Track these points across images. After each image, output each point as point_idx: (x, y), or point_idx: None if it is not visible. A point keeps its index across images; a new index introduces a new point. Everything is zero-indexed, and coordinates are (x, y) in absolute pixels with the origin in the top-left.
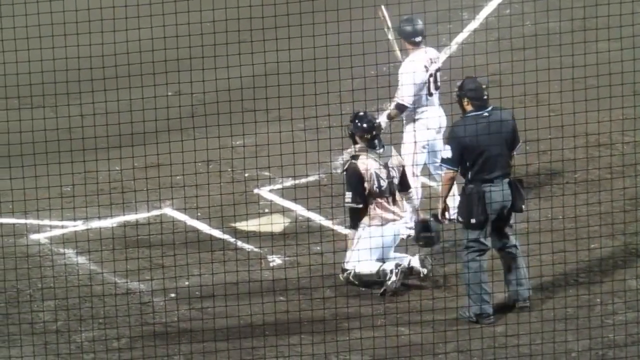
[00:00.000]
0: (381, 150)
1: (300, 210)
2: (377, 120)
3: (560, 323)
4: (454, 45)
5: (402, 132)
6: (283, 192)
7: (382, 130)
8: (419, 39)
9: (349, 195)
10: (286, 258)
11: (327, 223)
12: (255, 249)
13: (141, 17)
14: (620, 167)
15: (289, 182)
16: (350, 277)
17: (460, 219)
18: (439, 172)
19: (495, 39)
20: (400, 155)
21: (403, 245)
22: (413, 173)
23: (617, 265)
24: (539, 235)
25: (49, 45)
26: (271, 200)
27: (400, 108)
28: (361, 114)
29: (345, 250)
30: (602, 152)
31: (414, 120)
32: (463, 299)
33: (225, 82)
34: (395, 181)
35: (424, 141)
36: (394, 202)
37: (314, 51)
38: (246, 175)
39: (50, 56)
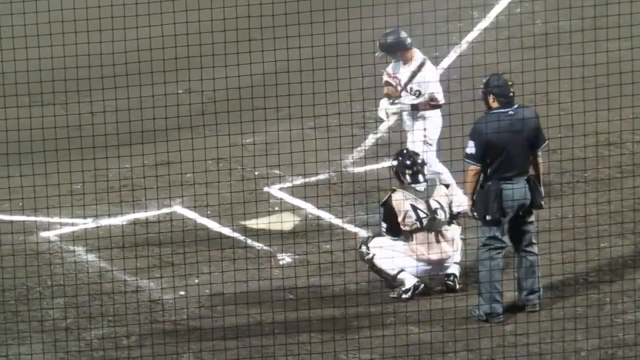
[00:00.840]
0: (423, 186)
1: (310, 208)
2: (420, 158)
3: (570, 322)
4: (464, 44)
5: (409, 130)
6: (293, 191)
7: (425, 166)
8: (409, 40)
9: (384, 225)
10: (296, 256)
11: (337, 221)
12: (265, 247)
13: (152, 15)
14: (630, 166)
15: (299, 180)
16: (366, 257)
17: (475, 215)
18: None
19: (505, 38)
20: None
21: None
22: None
23: (626, 264)
24: (548, 234)
25: (60, 43)
26: (281, 199)
27: (435, 107)
28: (404, 151)
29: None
30: (612, 151)
31: (424, 118)
32: (473, 298)
33: (235, 80)
34: (441, 216)
35: (433, 139)
36: (439, 239)
37: (324, 49)
38: (256, 173)
39: (60, 53)
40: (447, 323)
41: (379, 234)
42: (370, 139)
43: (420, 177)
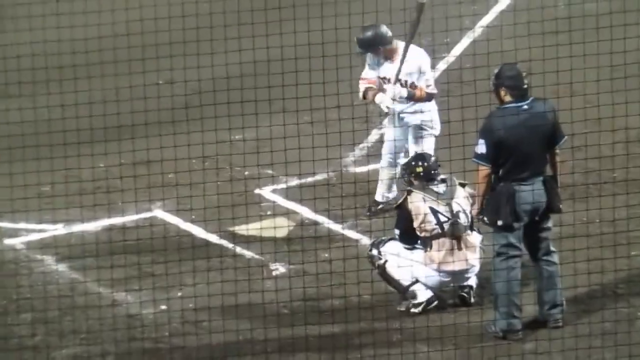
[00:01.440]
0: (443, 187)
1: (306, 212)
2: (433, 158)
3: (597, 339)
4: (478, 29)
5: (403, 127)
6: (287, 193)
7: (440, 166)
8: (390, 33)
9: (397, 232)
10: (291, 266)
11: (337, 227)
12: (257, 256)
13: None
14: None
15: (294, 181)
16: (377, 263)
17: (486, 220)
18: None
19: (524, 22)
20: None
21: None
22: None
23: None
24: (573, 241)
25: (26, 27)
26: (274, 202)
27: (431, 97)
28: (419, 152)
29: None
30: None
31: (429, 111)
32: (489, 312)
33: (223, 69)
34: (463, 220)
35: (437, 122)
36: (462, 246)
37: (322, 34)
38: (246, 173)
39: (27, 39)
40: (460, 341)
41: (394, 238)
42: (374, 135)
43: (435, 175)
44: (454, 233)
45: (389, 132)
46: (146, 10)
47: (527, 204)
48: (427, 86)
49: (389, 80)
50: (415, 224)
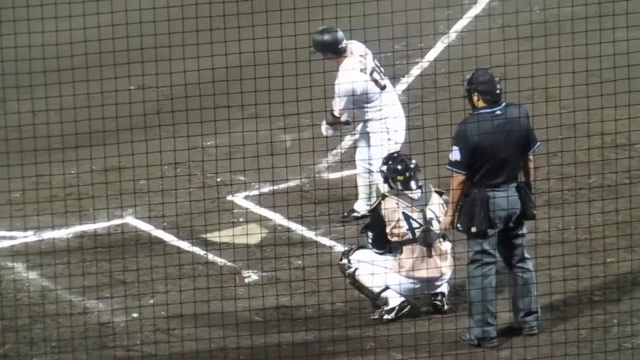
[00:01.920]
0: (417, 193)
1: (279, 219)
2: (413, 162)
3: (573, 347)
4: (452, 34)
5: (367, 133)
6: (260, 199)
7: (419, 171)
8: (343, 44)
9: (370, 235)
10: (263, 273)
11: (310, 234)
12: (229, 263)
13: (100, 1)
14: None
15: (267, 188)
16: (347, 272)
17: (459, 227)
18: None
19: (499, 27)
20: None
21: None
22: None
23: (636, 281)
24: (548, 248)
25: None
26: (247, 208)
27: (334, 117)
28: (395, 154)
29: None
30: (619, 154)
31: (379, 120)
32: (463, 320)
33: (195, 74)
34: (436, 227)
35: (394, 144)
36: (432, 253)
37: (295, 39)
38: (218, 179)
39: None
40: (434, 348)
41: (364, 246)
42: (347, 141)
43: (413, 184)
44: (426, 240)
45: (358, 138)
46: (117, 16)
47: (501, 210)
48: (333, 109)
49: None
50: (388, 229)
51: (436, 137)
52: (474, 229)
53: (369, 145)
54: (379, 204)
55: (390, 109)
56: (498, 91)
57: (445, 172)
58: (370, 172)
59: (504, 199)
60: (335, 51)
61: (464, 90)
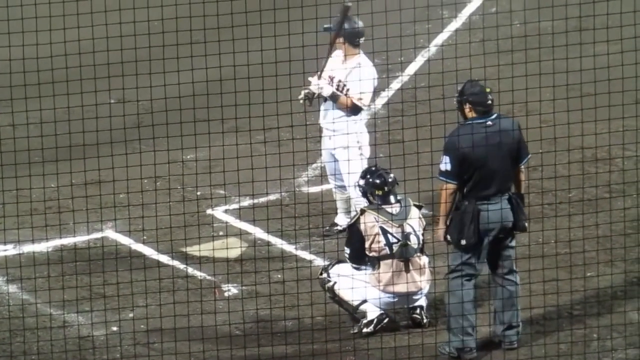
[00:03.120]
0: (397, 208)
1: (259, 233)
2: (391, 176)
3: None
4: (432, 48)
5: (335, 148)
6: (240, 213)
7: (397, 185)
8: (362, 40)
9: (347, 251)
10: (243, 287)
11: (290, 248)
12: (209, 277)
13: (81, 15)
14: (620, 185)
15: (247, 202)
16: (327, 285)
17: (449, 239)
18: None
19: (479, 40)
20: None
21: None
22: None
23: (616, 295)
24: (528, 262)
25: None
26: (226, 222)
27: (356, 109)
28: (373, 168)
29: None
30: (599, 168)
31: (355, 123)
32: (443, 333)
33: (175, 88)
34: (413, 242)
35: (365, 159)
36: (409, 267)
37: (275, 53)
38: (198, 193)
39: None
40: None
41: (343, 260)
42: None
43: (392, 198)
44: (403, 255)
45: (324, 153)
46: (97, 29)
47: (492, 223)
48: (359, 99)
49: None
50: (366, 244)
51: (416, 151)
52: (463, 242)
53: (337, 160)
54: (358, 219)
55: (362, 123)
56: (489, 102)
57: (425, 186)
58: (343, 187)
59: (495, 212)
60: (351, 41)
61: (455, 101)
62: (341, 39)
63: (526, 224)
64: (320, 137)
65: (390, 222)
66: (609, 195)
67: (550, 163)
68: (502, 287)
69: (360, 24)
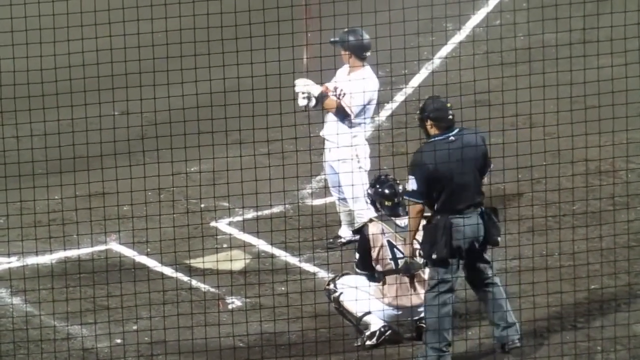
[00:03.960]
0: (405, 220)
1: (263, 245)
2: (401, 187)
3: None
4: (436, 60)
5: (335, 161)
6: (244, 225)
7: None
8: (368, 54)
9: (357, 256)
10: (247, 299)
11: (294, 260)
12: (212, 289)
13: (85, 27)
14: (624, 198)
15: (251, 214)
16: (333, 296)
17: (421, 253)
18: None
19: (483, 53)
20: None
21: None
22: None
23: (620, 308)
24: (532, 274)
25: None
26: (230, 234)
27: (343, 113)
28: (382, 177)
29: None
30: (603, 181)
31: (355, 136)
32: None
33: (179, 100)
34: (419, 258)
35: (364, 171)
36: (414, 282)
37: (279, 65)
38: (202, 205)
39: None
40: None
41: (350, 272)
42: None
43: (401, 210)
44: (409, 270)
45: (325, 166)
46: (102, 41)
47: (463, 237)
48: (348, 105)
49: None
50: (373, 255)
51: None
52: (434, 256)
53: (337, 173)
54: (365, 226)
55: (362, 136)
56: (450, 117)
57: None
58: (344, 199)
59: (467, 226)
60: (358, 55)
61: (417, 119)
62: (347, 52)
63: (499, 239)
64: (323, 149)
65: (396, 234)
66: (612, 208)
67: (554, 175)
68: (485, 291)
69: (367, 37)
